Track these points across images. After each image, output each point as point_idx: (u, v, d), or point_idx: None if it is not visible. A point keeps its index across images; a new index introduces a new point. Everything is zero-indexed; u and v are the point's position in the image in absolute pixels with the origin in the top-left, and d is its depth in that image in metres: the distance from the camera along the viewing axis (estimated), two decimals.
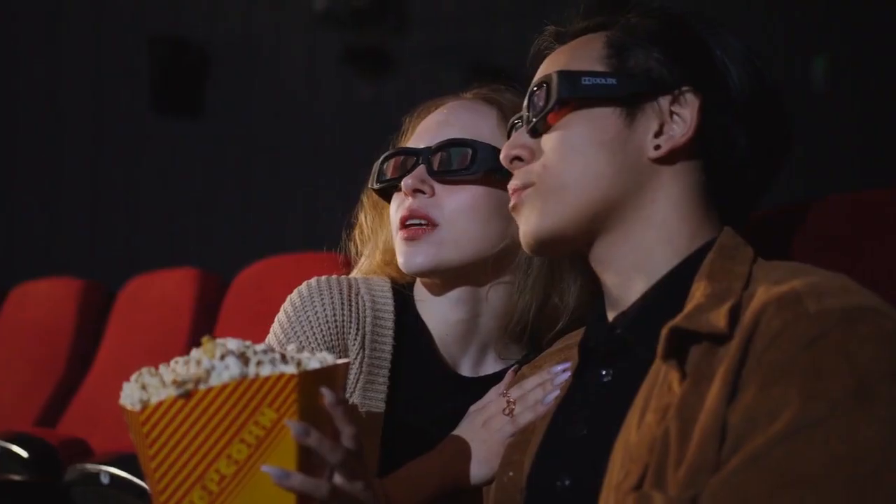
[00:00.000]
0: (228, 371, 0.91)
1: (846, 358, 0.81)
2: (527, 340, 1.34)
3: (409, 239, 1.29)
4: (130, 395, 0.93)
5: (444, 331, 1.34)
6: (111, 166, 4.85)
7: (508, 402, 1.19)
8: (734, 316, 0.89)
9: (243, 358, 0.93)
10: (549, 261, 1.28)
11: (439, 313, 1.34)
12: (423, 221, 1.29)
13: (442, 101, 1.40)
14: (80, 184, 4.81)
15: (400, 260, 1.31)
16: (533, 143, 1.07)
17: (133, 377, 0.95)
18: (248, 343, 0.96)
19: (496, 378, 1.30)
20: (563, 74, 1.04)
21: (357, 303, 1.30)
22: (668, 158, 1.01)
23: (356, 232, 1.44)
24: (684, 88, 1.01)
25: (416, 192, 1.30)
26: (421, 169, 1.31)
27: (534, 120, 1.06)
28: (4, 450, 2.43)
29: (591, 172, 1.02)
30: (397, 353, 1.31)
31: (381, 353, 1.30)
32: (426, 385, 1.32)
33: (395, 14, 5.16)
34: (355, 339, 1.29)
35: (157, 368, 0.96)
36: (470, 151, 1.29)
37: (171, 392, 0.91)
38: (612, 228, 1.03)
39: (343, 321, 1.29)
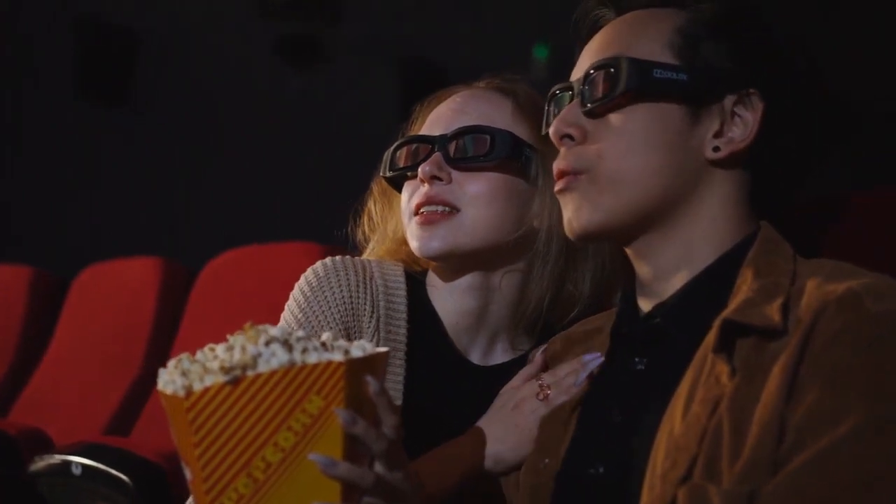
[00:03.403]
0: (276, 358, 0.90)
1: None
2: (539, 330, 1.35)
3: (426, 223, 1.29)
4: (172, 382, 0.91)
5: (454, 319, 1.34)
6: (55, 152, 4.73)
7: (542, 386, 1.19)
8: (785, 311, 0.91)
9: (286, 345, 0.92)
10: (567, 249, 1.29)
11: (450, 301, 1.34)
12: (440, 207, 1.29)
13: (453, 90, 1.40)
14: (26, 170, 4.69)
15: (414, 244, 1.31)
16: (587, 123, 1.04)
17: (171, 363, 0.93)
18: (289, 329, 0.95)
19: (506, 367, 1.31)
20: (633, 63, 1.00)
21: (371, 285, 1.30)
22: (724, 160, 1.01)
23: (364, 220, 1.44)
24: (751, 91, 1.01)
25: (433, 178, 1.30)
26: (438, 156, 1.31)
27: (590, 105, 1.03)
28: None
29: (649, 169, 1.01)
30: (410, 338, 1.31)
31: (396, 336, 1.30)
32: (437, 371, 1.32)
33: (330, 5, 5.14)
34: (370, 322, 1.28)
35: (193, 355, 0.94)
36: (488, 138, 1.29)
37: (218, 378, 0.89)
38: (660, 224, 1.03)
39: (358, 302, 1.28)
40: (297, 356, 0.91)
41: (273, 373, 0.89)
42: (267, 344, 0.91)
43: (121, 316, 2.88)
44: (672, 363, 0.98)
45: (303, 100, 4.96)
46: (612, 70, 1.01)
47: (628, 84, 1.00)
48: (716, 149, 1.01)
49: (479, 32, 4.80)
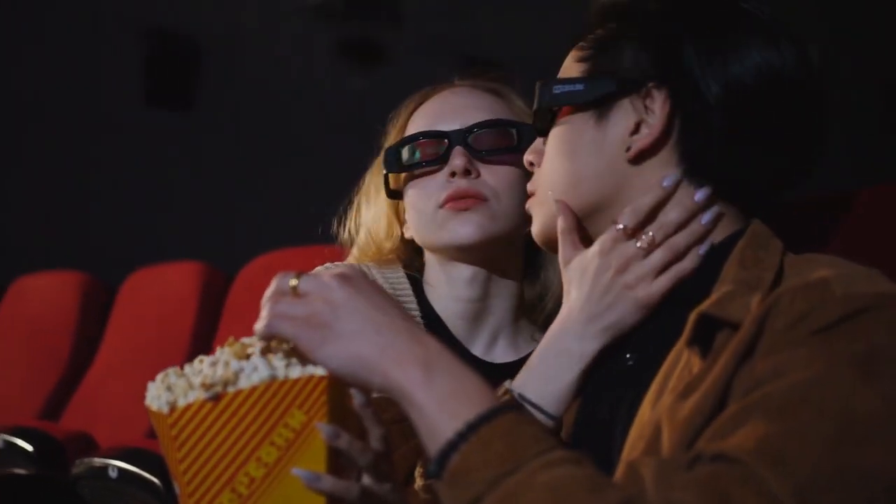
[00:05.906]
0: (257, 373, 0.90)
1: (864, 335, 0.81)
2: (541, 326, 1.35)
3: (461, 209, 1.31)
4: (157, 397, 0.92)
5: (456, 312, 1.36)
6: (106, 159, 4.82)
7: (626, 230, 1.03)
8: None
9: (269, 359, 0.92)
10: None
11: (449, 294, 1.36)
12: (471, 200, 1.32)
13: (439, 87, 1.43)
14: (78, 177, 4.78)
15: (445, 235, 1.32)
16: (542, 147, 1.12)
17: (158, 378, 0.94)
18: (273, 344, 0.95)
19: (509, 367, 1.30)
20: (542, 84, 1.08)
21: None
22: (642, 157, 1.02)
23: (352, 220, 1.45)
24: (651, 85, 1.01)
25: (466, 172, 1.32)
26: (463, 150, 1.33)
27: (536, 129, 1.12)
28: (9, 444, 2.44)
29: (574, 178, 1.05)
30: None
31: None
32: None
33: (388, 6, 5.16)
34: None
35: (181, 368, 0.95)
36: (515, 131, 1.34)
37: (200, 395, 0.89)
38: (605, 228, 1.05)
39: None
40: (280, 370, 0.91)
41: (253, 389, 0.89)
42: (249, 358, 0.92)
43: (163, 321, 2.93)
44: (659, 357, 0.96)
45: (364, 102, 4.99)
46: (535, 94, 1.10)
47: (539, 103, 1.09)
48: (628, 148, 1.02)
49: (541, 30, 4.76)
